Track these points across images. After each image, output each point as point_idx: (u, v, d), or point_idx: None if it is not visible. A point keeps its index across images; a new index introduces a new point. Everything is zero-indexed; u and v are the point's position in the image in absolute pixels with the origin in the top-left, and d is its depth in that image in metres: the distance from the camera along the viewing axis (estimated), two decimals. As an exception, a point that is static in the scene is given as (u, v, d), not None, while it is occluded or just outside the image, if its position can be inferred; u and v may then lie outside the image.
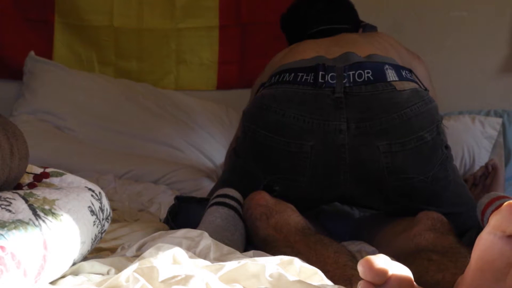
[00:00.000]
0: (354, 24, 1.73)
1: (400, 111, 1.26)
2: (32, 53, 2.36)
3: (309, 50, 1.43)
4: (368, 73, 1.29)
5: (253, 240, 1.18)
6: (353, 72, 1.30)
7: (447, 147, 1.34)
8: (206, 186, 1.95)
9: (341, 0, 1.75)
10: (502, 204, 0.52)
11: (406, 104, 1.27)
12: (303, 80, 1.31)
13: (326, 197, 1.34)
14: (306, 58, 1.38)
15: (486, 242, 0.54)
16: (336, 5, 1.72)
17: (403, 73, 1.34)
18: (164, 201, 1.69)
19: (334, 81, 1.29)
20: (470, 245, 0.58)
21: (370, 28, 1.70)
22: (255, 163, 1.34)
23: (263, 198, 1.20)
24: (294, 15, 1.76)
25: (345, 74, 1.29)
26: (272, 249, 1.07)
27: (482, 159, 2.12)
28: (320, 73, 1.30)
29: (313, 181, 1.28)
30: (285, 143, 1.28)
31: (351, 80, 1.29)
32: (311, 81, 1.30)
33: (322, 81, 1.29)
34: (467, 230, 1.25)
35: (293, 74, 1.33)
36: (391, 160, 1.25)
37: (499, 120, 2.27)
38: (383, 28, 2.45)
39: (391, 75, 1.31)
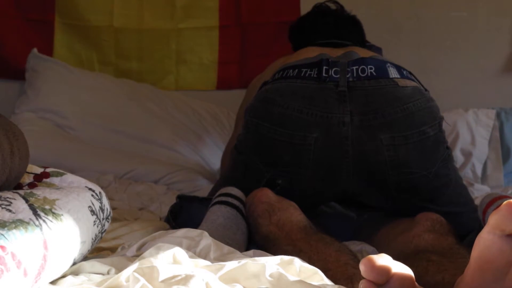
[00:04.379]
0: (359, 43, 1.73)
1: (403, 105, 1.28)
2: (35, 50, 2.36)
3: (312, 52, 1.44)
4: (371, 68, 1.31)
5: (254, 237, 1.18)
6: (357, 67, 1.31)
7: (448, 148, 1.34)
8: (206, 188, 1.95)
9: (350, 18, 1.77)
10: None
11: (409, 99, 1.29)
12: (307, 75, 1.33)
13: (329, 192, 1.34)
14: (310, 57, 1.39)
15: (485, 241, 0.54)
16: (345, 22, 1.73)
17: (404, 72, 1.36)
18: (165, 200, 1.69)
19: (338, 76, 1.30)
20: (471, 247, 0.58)
21: (375, 49, 1.71)
22: (257, 157, 1.34)
23: (265, 195, 1.20)
24: (302, 26, 1.78)
25: (348, 69, 1.31)
26: (273, 247, 1.07)
27: (479, 145, 2.21)
28: (324, 67, 1.31)
29: (316, 174, 1.29)
30: (289, 135, 1.29)
31: (355, 74, 1.30)
32: (315, 75, 1.32)
33: (326, 75, 1.30)
34: (467, 231, 1.25)
35: (297, 70, 1.35)
36: (394, 153, 1.26)
37: (493, 111, 2.34)
38: (383, 29, 2.47)
39: (393, 72, 1.33)
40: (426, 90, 1.36)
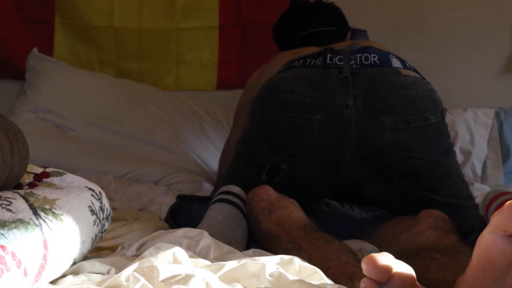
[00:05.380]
0: (342, 27, 1.80)
1: (405, 92, 1.30)
2: (35, 50, 2.35)
3: (316, 49, 1.47)
4: (374, 57, 1.34)
5: (254, 234, 1.18)
6: (360, 55, 1.34)
7: (451, 142, 1.36)
8: (206, 189, 1.95)
9: (329, 5, 1.84)
10: (506, 200, 0.53)
11: (411, 87, 1.31)
12: (312, 63, 1.36)
13: (331, 182, 1.34)
14: (315, 51, 1.42)
15: (487, 241, 0.54)
16: (325, 10, 1.82)
17: (407, 64, 1.39)
18: (165, 201, 1.69)
19: (342, 63, 1.33)
20: (473, 246, 0.58)
21: (360, 33, 1.75)
22: (262, 142, 1.35)
23: (265, 193, 1.20)
24: (284, 22, 1.85)
25: (352, 57, 1.34)
26: (274, 244, 1.08)
27: (479, 144, 2.23)
28: (328, 55, 1.34)
29: (319, 158, 1.30)
30: (293, 118, 1.31)
31: (358, 62, 1.33)
32: (320, 64, 1.35)
33: (330, 62, 1.34)
34: (468, 228, 1.25)
35: (302, 60, 1.38)
36: (396, 137, 1.28)
37: (491, 110, 2.35)
38: (383, 28, 2.47)
39: (396, 62, 1.36)
40: (428, 83, 1.37)
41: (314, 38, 1.72)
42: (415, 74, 1.36)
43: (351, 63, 1.32)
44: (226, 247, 0.91)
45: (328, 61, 1.33)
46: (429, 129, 1.30)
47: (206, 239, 0.91)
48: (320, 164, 1.31)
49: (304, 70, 1.36)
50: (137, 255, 0.88)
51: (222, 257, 0.87)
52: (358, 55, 1.33)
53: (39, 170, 0.89)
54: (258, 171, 1.32)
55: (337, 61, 1.33)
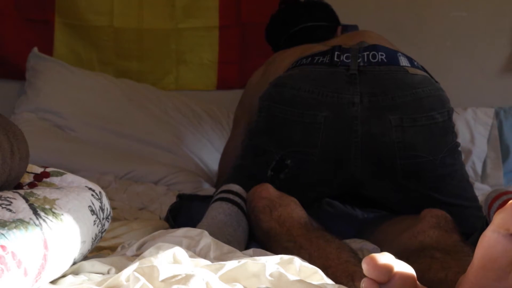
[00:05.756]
0: (333, 22, 1.82)
1: (412, 90, 1.31)
2: (35, 49, 2.35)
3: (324, 46, 1.48)
4: (382, 55, 1.35)
5: (255, 233, 1.18)
6: (368, 53, 1.35)
7: (457, 142, 1.36)
8: (206, 189, 1.95)
9: (318, 3, 1.87)
10: (508, 199, 0.53)
11: (418, 85, 1.32)
12: (319, 61, 1.37)
13: (336, 178, 1.34)
14: (323, 49, 1.43)
15: (489, 240, 0.54)
16: (314, 7, 1.85)
17: (415, 63, 1.39)
18: (165, 201, 1.69)
19: (349, 60, 1.34)
20: (475, 245, 0.58)
21: (351, 28, 1.77)
22: (268, 138, 1.36)
23: (266, 191, 1.20)
24: (275, 20, 1.90)
25: (359, 55, 1.34)
26: (274, 243, 1.08)
27: (478, 143, 2.23)
28: (336, 53, 1.35)
29: (324, 155, 1.30)
30: (299, 115, 1.31)
31: (366, 59, 1.34)
32: (327, 61, 1.36)
33: (337, 60, 1.34)
34: (471, 229, 1.24)
35: (310, 58, 1.39)
36: (402, 135, 1.28)
37: (491, 109, 2.36)
38: (383, 28, 2.46)
39: (403, 61, 1.36)
40: (436, 82, 1.38)
41: (305, 33, 1.74)
42: (423, 73, 1.37)
43: (359, 60, 1.33)
44: (226, 247, 0.91)
45: (335, 59, 1.34)
46: (435, 128, 1.30)
47: (206, 239, 0.91)
48: (326, 161, 1.31)
49: (312, 67, 1.36)
50: (137, 255, 0.87)
51: (222, 257, 0.87)
52: (365, 53, 1.34)
53: (39, 170, 0.89)
54: (264, 167, 1.32)
55: (344, 59, 1.34)
